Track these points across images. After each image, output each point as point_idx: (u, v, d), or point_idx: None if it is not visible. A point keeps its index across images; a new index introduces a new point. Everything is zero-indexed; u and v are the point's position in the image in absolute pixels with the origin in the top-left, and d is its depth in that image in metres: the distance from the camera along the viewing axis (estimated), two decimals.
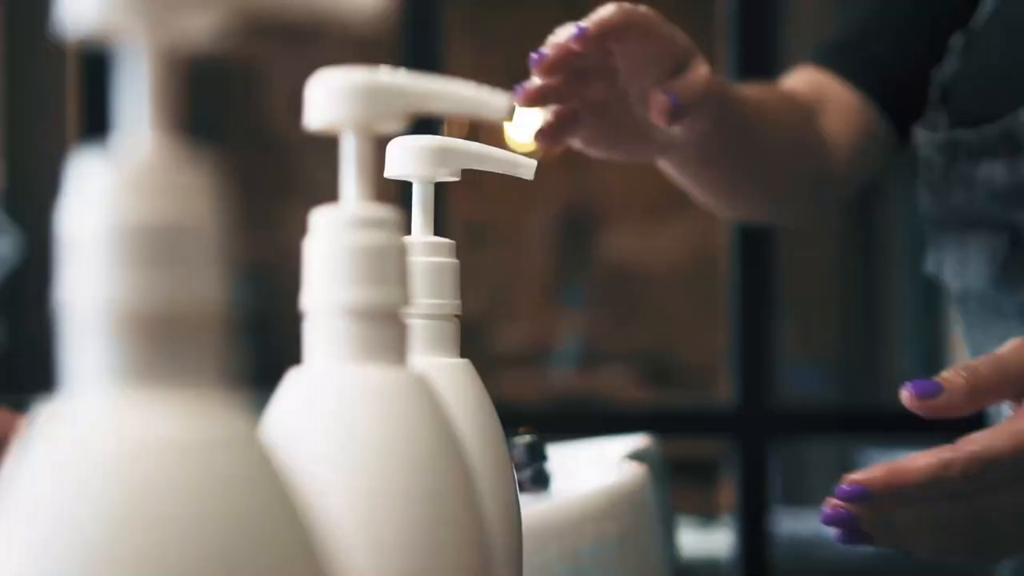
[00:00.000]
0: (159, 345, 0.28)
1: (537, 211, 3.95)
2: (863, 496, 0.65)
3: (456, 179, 0.57)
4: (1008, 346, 0.68)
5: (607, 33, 0.78)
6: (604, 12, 0.79)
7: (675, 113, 0.80)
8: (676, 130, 0.83)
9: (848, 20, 1.06)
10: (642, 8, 0.80)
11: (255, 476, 0.28)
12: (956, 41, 0.95)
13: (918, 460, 0.64)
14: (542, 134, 0.82)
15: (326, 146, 0.45)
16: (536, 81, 0.79)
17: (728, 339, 2.09)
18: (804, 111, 1.01)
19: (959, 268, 0.94)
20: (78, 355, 0.28)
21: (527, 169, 0.59)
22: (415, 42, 2.03)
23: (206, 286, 0.28)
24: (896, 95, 1.01)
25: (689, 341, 4.04)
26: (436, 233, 0.55)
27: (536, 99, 0.80)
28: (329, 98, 0.42)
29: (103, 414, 0.27)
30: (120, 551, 0.26)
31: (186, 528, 0.27)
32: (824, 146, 1.02)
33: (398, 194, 0.57)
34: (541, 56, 0.79)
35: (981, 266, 0.92)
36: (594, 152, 0.86)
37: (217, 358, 0.29)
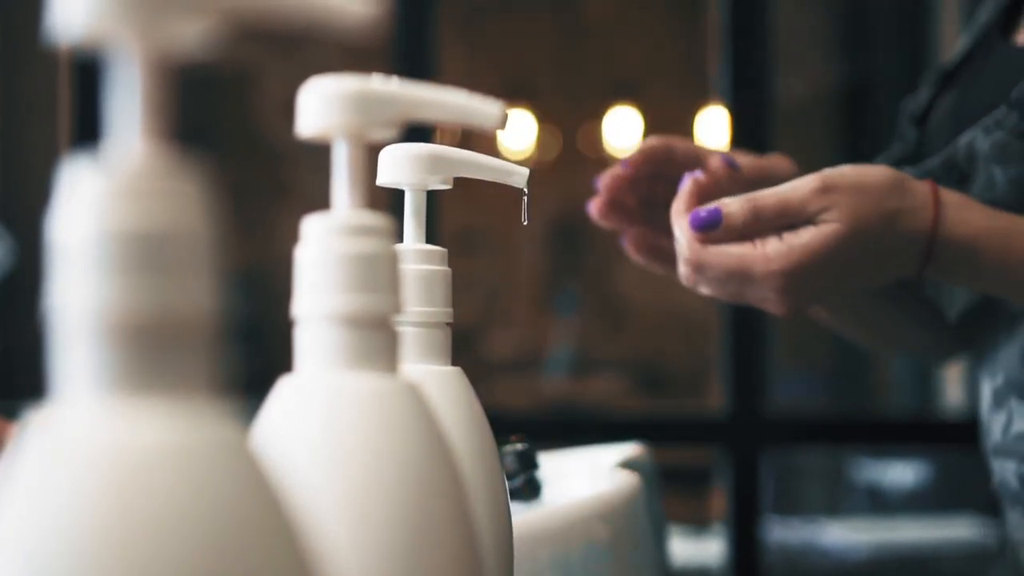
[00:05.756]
0: (149, 352, 0.28)
1: (529, 219, 3.96)
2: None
3: (448, 187, 0.57)
4: (794, 184, 0.79)
5: (650, 157, 0.87)
6: (646, 142, 0.88)
7: (729, 166, 0.86)
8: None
9: None
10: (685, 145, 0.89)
11: (244, 483, 0.28)
12: (930, 75, 1.01)
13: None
14: (597, 206, 0.90)
15: (318, 153, 0.45)
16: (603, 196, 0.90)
17: (719, 347, 2.10)
18: None
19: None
20: (69, 361, 0.28)
21: (520, 177, 0.59)
22: (407, 50, 2.04)
23: (197, 293, 0.28)
24: None
25: (681, 349, 4.04)
26: (428, 240, 0.55)
27: (606, 210, 0.90)
28: (321, 105, 0.42)
29: (93, 421, 0.27)
30: (109, 557, 0.26)
31: (175, 535, 0.27)
32: None
33: (390, 202, 0.57)
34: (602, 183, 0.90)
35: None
36: (638, 256, 0.92)
37: (207, 365, 0.29)
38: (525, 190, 0.61)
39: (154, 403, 0.28)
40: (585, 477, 0.92)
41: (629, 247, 0.91)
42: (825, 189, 0.78)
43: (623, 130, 4.00)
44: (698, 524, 2.81)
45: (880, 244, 0.79)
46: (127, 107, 0.29)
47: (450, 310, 0.55)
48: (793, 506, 3.56)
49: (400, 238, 0.55)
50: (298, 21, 0.30)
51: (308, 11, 0.31)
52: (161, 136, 0.29)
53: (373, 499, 0.38)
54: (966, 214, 0.80)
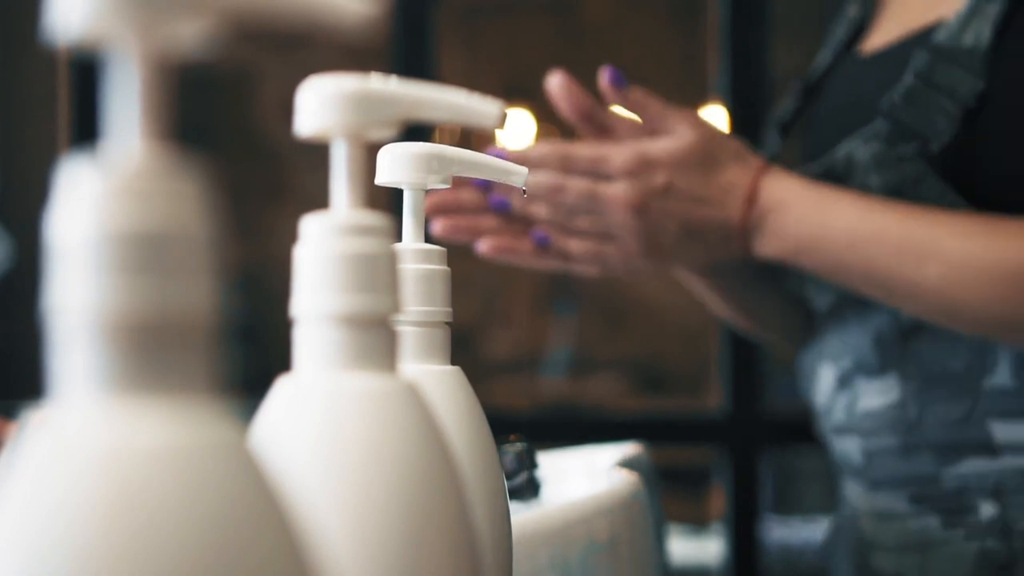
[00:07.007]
0: (148, 352, 0.28)
1: None
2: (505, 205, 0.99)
3: (447, 186, 0.57)
4: (680, 113, 0.99)
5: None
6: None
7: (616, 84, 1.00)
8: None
9: None
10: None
11: (243, 484, 0.28)
12: (795, 85, 1.15)
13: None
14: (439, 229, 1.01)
15: (317, 153, 0.45)
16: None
17: (719, 347, 2.10)
18: None
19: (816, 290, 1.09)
20: (67, 362, 0.28)
21: (518, 176, 0.59)
22: (406, 49, 2.04)
23: (195, 293, 0.28)
24: None
25: (680, 349, 4.04)
26: (427, 240, 0.55)
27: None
28: (320, 105, 0.42)
29: (91, 421, 0.27)
30: (107, 558, 0.26)
31: (174, 536, 0.27)
32: None
33: (390, 201, 0.57)
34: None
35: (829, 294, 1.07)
36: (500, 255, 1.03)
37: (206, 365, 0.29)
38: (524, 189, 0.61)
39: (153, 403, 0.28)
40: (584, 477, 0.93)
41: (487, 251, 1.02)
42: (696, 120, 0.98)
43: None
44: (697, 524, 2.81)
45: (712, 174, 0.97)
46: (126, 107, 0.29)
47: (449, 309, 0.55)
48: (792, 506, 3.56)
49: (399, 237, 0.55)
50: (298, 21, 0.30)
51: (308, 11, 0.31)
52: (160, 136, 0.29)
53: (372, 499, 0.38)
54: (787, 177, 0.98)
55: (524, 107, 3.90)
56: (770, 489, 3.04)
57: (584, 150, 0.97)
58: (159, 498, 0.27)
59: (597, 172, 0.97)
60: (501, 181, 0.60)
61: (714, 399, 2.49)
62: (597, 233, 0.99)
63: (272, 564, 0.28)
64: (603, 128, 1.01)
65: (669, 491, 1.22)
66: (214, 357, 0.29)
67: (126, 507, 0.26)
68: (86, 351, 0.28)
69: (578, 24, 3.93)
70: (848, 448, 1.06)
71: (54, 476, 0.27)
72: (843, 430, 1.06)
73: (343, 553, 0.37)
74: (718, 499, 2.41)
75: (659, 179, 0.96)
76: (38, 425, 0.28)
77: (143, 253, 0.28)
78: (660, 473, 1.04)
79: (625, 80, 0.99)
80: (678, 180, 0.96)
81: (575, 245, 1.00)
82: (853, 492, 1.08)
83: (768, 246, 0.98)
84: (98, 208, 0.28)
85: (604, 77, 1.00)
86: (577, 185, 0.97)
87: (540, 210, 0.99)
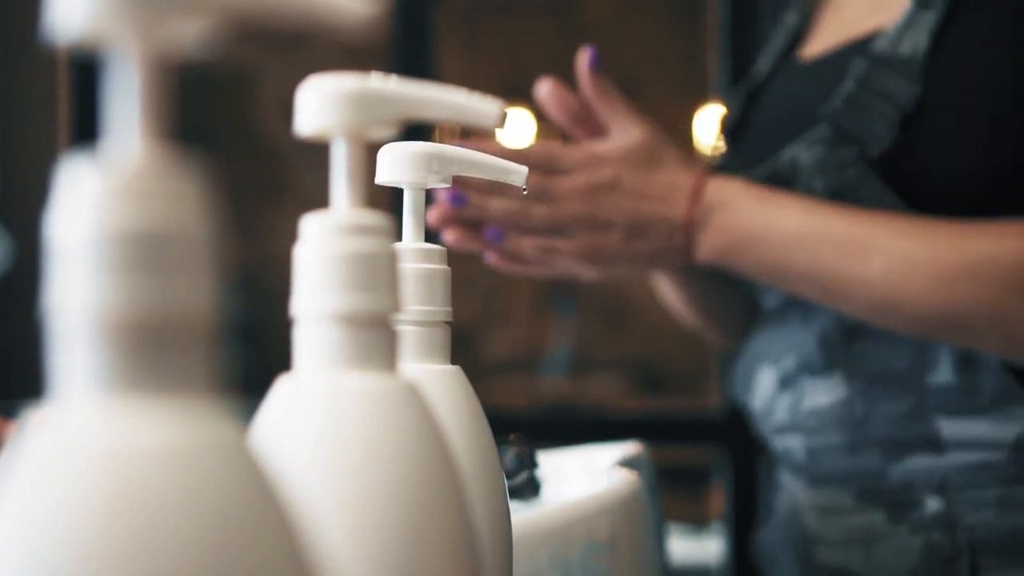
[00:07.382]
0: (148, 352, 0.28)
1: None
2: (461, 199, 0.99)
3: (447, 185, 0.57)
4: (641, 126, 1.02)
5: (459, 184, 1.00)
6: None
7: (594, 63, 1.03)
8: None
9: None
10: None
11: (243, 483, 0.28)
12: (738, 92, 1.18)
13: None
14: (450, 238, 1.01)
15: (317, 153, 0.45)
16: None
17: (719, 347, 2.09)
18: None
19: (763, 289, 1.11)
20: (67, 361, 0.28)
21: (518, 176, 0.59)
22: (407, 49, 2.04)
23: (196, 293, 0.28)
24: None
25: (680, 349, 4.04)
26: (427, 239, 0.55)
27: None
28: (320, 105, 0.42)
29: (92, 420, 0.27)
30: (107, 558, 0.26)
31: (174, 535, 0.27)
32: None
33: (390, 200, 0.57)
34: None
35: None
36: (508, 266, 1.03)
37: (206, 365, 0.29)
38: (524, 188, 0.61)
39: (153, 403, 0.28)
40: (584, 476, 0.93)
41: (496, 261, 1.03)
42: (647, 124, 1.02)
43: None
44: (697, 523, 2.81)
45: (658, 173, 1.00)
46: (126, 107, 0.29)
47: (449, 309, 0.55)
48: None
49: (399, 237, 0.55)
50: (298, 21, 0.30)
51: (308, 11, 0.31)
52: (160, 136, 0.29)
53: (372, 498, 0.38)
54: (730, 180, 1.01)
55: (524, 107, 3.90)
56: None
57: (538, 148, 1.01)
58: (159, 498, 0.27)
59: (550, 168, 1.00)
60: (500, 180, 0.60)
61: (714, 399, 2.48)
62: (548, 230, 1.00)
63: (272, 564, 0.28)
64: (595, 131, 1.03)
65: (669, 491, 1.22)
66: (214, 357, 0.29)
67: (126, 507, 0.26)
68: (86, 351, 0.28)
69: (578, 24, 3.93)
70: (791, 445, 1.07)
71: (54, 476, 0.27)
72: (785, 429, 1.07)
73: (343, 553, 0.37)
74: (718, 499, 2.41)
75: (607, 172, 0.99)
76: (38, 425, 0.28)
77: (143, 253, 0.28)
78: (660, 473, 1.04)
79: (601, 66, 1.03)
80: (625, 175, 1.00)
81: (527, 243, 1.00)
82: (794, 487, 1.10)
83: (711, 242, 0.99)
84: (98, 208, 0.28)
85: (584, 58, 1.02)
86: (530, 177, 0.99)
87: (495, 204, 1.00)
